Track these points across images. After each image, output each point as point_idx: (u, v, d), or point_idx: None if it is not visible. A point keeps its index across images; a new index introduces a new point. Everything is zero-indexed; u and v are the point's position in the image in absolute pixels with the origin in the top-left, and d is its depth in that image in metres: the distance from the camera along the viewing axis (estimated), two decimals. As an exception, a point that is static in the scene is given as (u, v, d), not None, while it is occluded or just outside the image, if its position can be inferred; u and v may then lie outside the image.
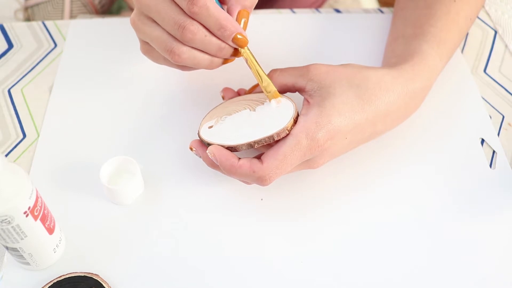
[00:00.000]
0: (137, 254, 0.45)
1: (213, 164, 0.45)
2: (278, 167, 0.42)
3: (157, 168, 0.50)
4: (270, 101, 0.46)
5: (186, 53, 0.43)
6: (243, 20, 0.44)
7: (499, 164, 0.51)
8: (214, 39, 0.43)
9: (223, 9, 0.44)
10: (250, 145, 0.43)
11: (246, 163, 0.43)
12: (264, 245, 0.45)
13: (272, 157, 0.42)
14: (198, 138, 0.46)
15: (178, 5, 0.42)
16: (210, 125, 0.47)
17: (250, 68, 0.46)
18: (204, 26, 0.42)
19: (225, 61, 0.46)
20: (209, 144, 0.45)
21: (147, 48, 0.46)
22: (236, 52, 0.45)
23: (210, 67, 0.45)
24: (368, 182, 0.49)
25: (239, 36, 0.43)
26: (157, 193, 0.48)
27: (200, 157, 0.46)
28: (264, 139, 0.43)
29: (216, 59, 0.45)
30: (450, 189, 0.49)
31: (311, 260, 0.45)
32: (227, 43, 0.43)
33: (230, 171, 0.43)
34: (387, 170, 0.50)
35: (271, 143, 0.44)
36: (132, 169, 0.47)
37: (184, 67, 0.47)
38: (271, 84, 0.46)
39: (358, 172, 0.50)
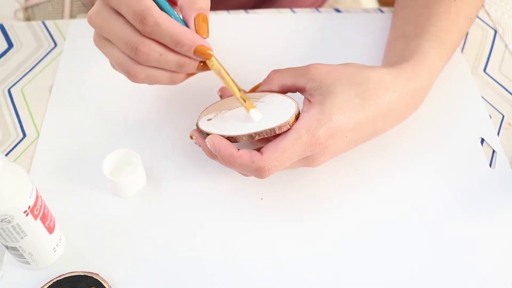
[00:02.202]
0: (137, 252, 0.45)
1: (212, 154, 0.45)
2: (278, 159, 0.42)
3: (158, 164, 0.50)
4: (248, 111, 0.44)
5: (142, 73, 0.42)
6: (204, 27, 0.42)
7: (499, 163, 0.51)
8: (171, 56, 0.41)
9: (178, 16, 0.42)
10: (251, 136, 0.43)
11: (245, 153, 0.42)
12: (264, 244, 0.45)
13: (272, 149, 0.42)
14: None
15: (131, 24, 0.40)
16: (209, 118, 0.46)
17: (221, 79, 0.44)
18: (162, 43, 0.41)
19: (190, 74, 0.44)
20: (208, 135, 0.44)
21: None
22: (204, 66, 0.43)
23: (172, 83, 0.44)
24: (368, 181, 0.49)
25: (202, 49, 0.41)
26: (158, 189, 0.48)
27: (200, 146, 0.46)
28: (265, 131, 0.43)
29: (177, 74, 0.43)
30: (450, 189, 0.49)
31: (311, 260, 0.45)
32: (189, 57, 0.42)
33: (228, 161, 0.43)
34: (387, 169, 0.50)
35: (271, 137, 0.43)
36: (134, 162, 0.47)
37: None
38: (245, 95, 0.44)
39: (358, 171, 0.50)
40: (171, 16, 0.42)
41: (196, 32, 0.42)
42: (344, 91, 0.45)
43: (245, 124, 0.44)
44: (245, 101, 0.44)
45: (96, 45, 0.44)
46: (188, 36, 0.40)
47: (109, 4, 0.41)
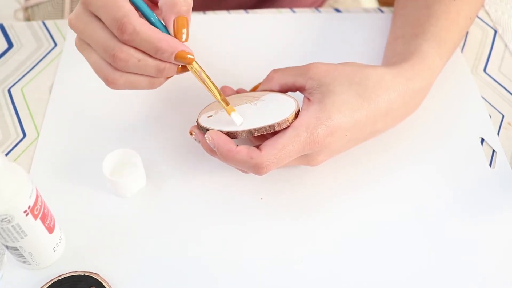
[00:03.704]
0: (137, 252, 0.45)
1: (211, 150, 0.45)
2: (276, 156, 0.42)
3: (158, 164, 0.50)
4: (230, 114, 0.44)
5: (120, 79, 0.41)
6: (183, 31, 0.41)
7: (499, 163, 0.51)
8: (150, 62, 0.40)
9: (158, 20, 0.42)
10: (250, 132, 0.43)
11: (244, 149, 0.42)
12: (265, 243, 0.45)
13: (271, 146, 0.42)
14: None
15: (110, 30, 0.40)
16: (210, 115, 0.46)
17: (202, 83, 0.44)
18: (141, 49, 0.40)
19: (169, 76, 0.44)
20: (207, 130, 0.44)
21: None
22: (183, 68, 0.42)
23: (151, 87, 0.43)
24: (368, 180, 0.49)
25: (183, 55, 0.40)
26: (158, 189, 0.48)
27: (199, 142, 0.46)
28: (265, 127, 0.43)
29: (157, 78, 0.43)
30: (450, 189, 0.49)
31: (311, 259, 0.45)
32: (169, 62, 0.41)
33: (227, 156, 0.43)
34: (387, 169, 0.50)
35: (270, 135, 0.43)
36: (134, 162, 0.47)
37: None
38: (225, 98, 0.44)
39: (358, 171, 0.50)
40: (150, 19, 0.41)
41: (174, 36, 0.41)
42: (343, 90, 0.45)
43: (244, 121, 0.44)
44: (226, 105, 0.44)
45: (77, 48, 0.43)
46: (168, 42, 0.40)
47: (89, 9, 0.40)
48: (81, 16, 0.41)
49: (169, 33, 0.41)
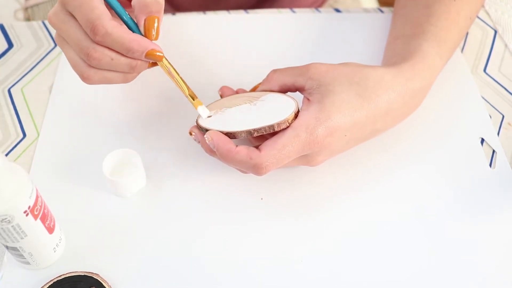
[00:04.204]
0: (137, 252, 0.45)
1: (211, 151, 0.45)
2: (276, 156, 0.42)
3: (158, 164, 0.50)
4: (196, 108, 0.46)
5: (95, 76, 0.43)
6: (153, 31, 0.43)
7: (499, 163, 0.51)
8: (123, 60, 0.43)
9: (130, 18, 0.44)
10: (250, 133, 0.43)
11: (243, 149, 0.42)
12: (265, 243, 0.45)
13: (270, 146, 0.42)
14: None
15: (85, 30, 0.42)
16: (209, 115, 0.47)
17: (171, 78, 0.46)
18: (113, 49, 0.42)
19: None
20: (207, 131, 0.44)
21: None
22: (153, 63, 0.45)
23: (125, 82, 0.45)
24: (368, 180, 0.49)
25: (153, 53, 0.43)
26: (158, 189, 0.48)
27: (199, 142, 0.46)
28: (264, 127, 0.43)
29: (130, 74, 0.45)
30: (450, 189, 0.49)
31: (311, 259, 0.45)
32: (140, 59, 0.43)
33: (226, 157, 0.43)
34: (387, 169, 0.50)
35: (269, 134, 0.43)
36: (134, 162, 0.47)
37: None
38: (193, 93, 0.46)
39: (358, 171, 0.50)
40: (123, 17, 0.44)
41: (145, 34, 0.43)
42: (343, 90, 0.45)
43: (244, 121, 0.44)
44: (193, 99, 0.46)
45: (57, 44, 0.45)
46: (139, 42, 0.42)
47: (66, 8, 0.42)
48: (59, 14, 0.43)
49: (140, 32, 0.44)
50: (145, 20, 0.43)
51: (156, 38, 0.44)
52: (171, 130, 0.52)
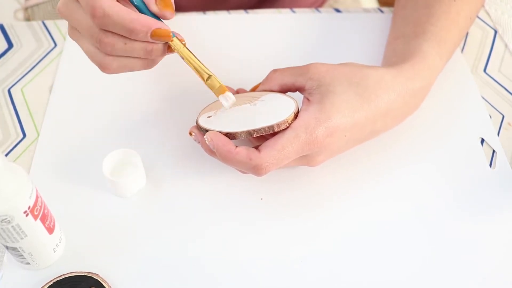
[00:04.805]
0: (137, 252, 0.45)
1: (210, 151, 0.44)
2: (275, 157, 0.42)
3: (158, 164, 0.50)
4: (218, 97, 0.43)
5: (113, 63, 0.41)
6: (159, 7, 0.40)
7: (499, 163, 0.51)
8: (136, 44, 0.40)
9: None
10: (249, 133, 0.43)
11: (243, 150, 0.42)
12: (265, 243, 0.45)
13: (270, 147, 0.42)
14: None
15: None
16: (209, 115, 0.46)
17: (187, 61, 0.42)
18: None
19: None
20: (207, 131, 0.44)
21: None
22: (170, 48, 0.41)
23: (148, 67, 0.43)
24: (368, 180, 0.49)
25: (158, 32, 0.39)
26: (158, 189, 0.48)
27: (199, 142, 0.46)
28: (264, 128, 0.43)
29: (149, 59, 0.42)
30: (450, 189, 0.49)
31: (311, 259, 0.45)
32: (154, 42, 0.40)
33: (226, 157, 0.43)
34: (387, 169, 0.50)
35: (269, 135, 0.43)
36: (134, 162, 0.47)
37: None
38: (215, 78, 0.42)
39: (358, 171, 0.50)
40: (132, 1, 0.40)
41: (158, 6, 0.40)
42: (343, 90, 0.44)
43: (244, 121, 0.44)
44: (215, 86, 0.42)
45: (70, 37, 0.43)
46: (141, 22, 0.38)
47: None
48: (67, 4, 0.41)
49: (152, 14, 0.40)
50: None
51: (172, 11, 0.40)
52: (171, 130, 0.52)
